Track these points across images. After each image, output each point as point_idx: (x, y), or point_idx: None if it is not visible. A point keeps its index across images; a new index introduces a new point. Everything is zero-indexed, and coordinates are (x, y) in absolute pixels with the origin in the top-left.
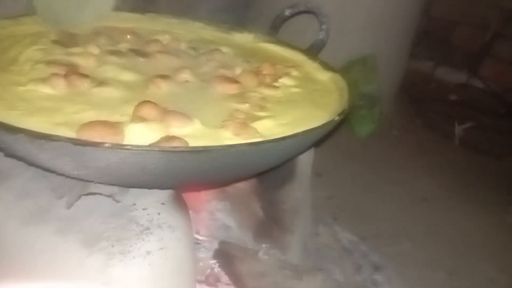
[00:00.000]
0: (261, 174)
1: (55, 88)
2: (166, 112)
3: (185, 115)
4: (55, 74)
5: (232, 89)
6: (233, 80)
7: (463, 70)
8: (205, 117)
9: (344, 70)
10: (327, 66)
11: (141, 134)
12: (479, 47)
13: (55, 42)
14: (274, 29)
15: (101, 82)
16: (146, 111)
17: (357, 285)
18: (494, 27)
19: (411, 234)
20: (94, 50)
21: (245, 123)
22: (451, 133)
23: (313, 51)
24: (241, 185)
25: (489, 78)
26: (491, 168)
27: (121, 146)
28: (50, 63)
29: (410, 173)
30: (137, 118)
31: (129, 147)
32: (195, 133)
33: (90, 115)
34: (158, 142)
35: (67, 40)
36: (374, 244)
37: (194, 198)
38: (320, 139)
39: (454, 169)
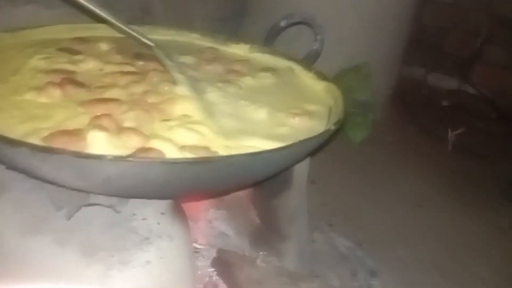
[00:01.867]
0: (259, 183)
1: (50, 97)
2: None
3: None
4: (50, 83)
5: None
6: None
7: (454, 76)
8: None
9: (337, 78)
10: (322, 76)
11: (102, 143)
12: (470, 53)
13: (61, 49)
14: (270, 39)
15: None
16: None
17: None
18: (485, 33)
19: (406, 238)
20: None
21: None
22: (444, 138)
23: (308, 61)
24: (238, 193)
25: (481, 83)
26: (484, 172)
27: (122, 158)
28: (49, 72)
29: (404, 178)
30: (97, 126)
31: (130, 159)
32: None
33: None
34: (134, 153)
35: (74, 46)
36: (369, 249)
37: (192, 207)
38: (316, 148)
39: (448, 173)
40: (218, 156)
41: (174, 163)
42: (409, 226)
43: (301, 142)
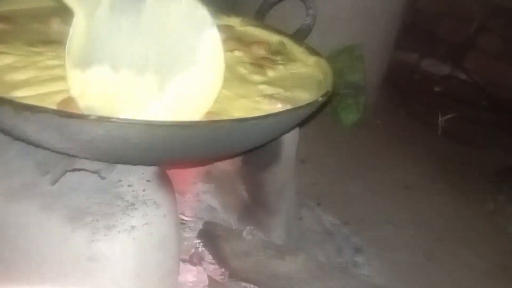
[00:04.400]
0: (246, 153)
1: None
2: None
3: None
4: None
5: None
6: None
7: (447, 62)
8: None
9: (330, 59)
10: (312, 51)
11: None
12: (463, 39)
13: None
14: (261, 13)
15: None
16: None
17: (338, 266)
18: (479, 20)
19: (393, 220)
20: None
21: None
22: (434, 123)
23: (299, 36)
24: (226, 167)
25: (473, 70)
26: (472, 158)
27: (106, 119)
28: None
29: (393, 161)
30: None
31: (114, 119)
32: None
33: None
34: None
35: None
36: (357, 228)
37: (179, 180)
38: (305, 119)
39: (436, 158)
40: (203, 121)
41: (159, 125)
42: (396, 208)
43: (286, 111)
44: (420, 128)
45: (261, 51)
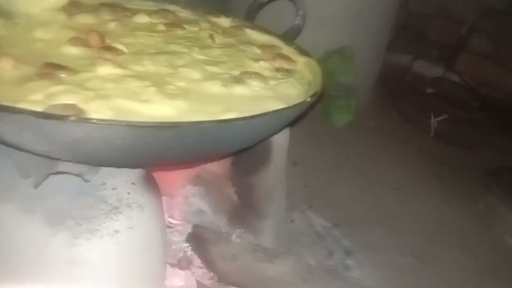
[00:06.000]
0: (235, 155)
1: None
2: None
3: None
4: None
5: None
6: None
7: (439, 64)
8: None
9: (322, 60)
10: (302, 51)
11: None
12: (455, 41)
13: None
14: (251, 14)
15: None
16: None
17: (328, 269)
18: (470, 22)
19: (384, 221)
20: None
21: None
22: (426, 125)
23: (289, 37)
24: (216, 170)
25: (464, 72)
26: (463, 159)
27: (86, 120)
28: None
29: (385, 162)
30: None
31: (94, 120)
32: None
33: None
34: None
35: None
36: (347, 230)
37: (168, 183)
38: (294, 120)
39: (428, 160)
40: (187, 122)
41: (140, 126)
42: (388, 209)
43: (274, 111)
44: (411, 129)
45: None
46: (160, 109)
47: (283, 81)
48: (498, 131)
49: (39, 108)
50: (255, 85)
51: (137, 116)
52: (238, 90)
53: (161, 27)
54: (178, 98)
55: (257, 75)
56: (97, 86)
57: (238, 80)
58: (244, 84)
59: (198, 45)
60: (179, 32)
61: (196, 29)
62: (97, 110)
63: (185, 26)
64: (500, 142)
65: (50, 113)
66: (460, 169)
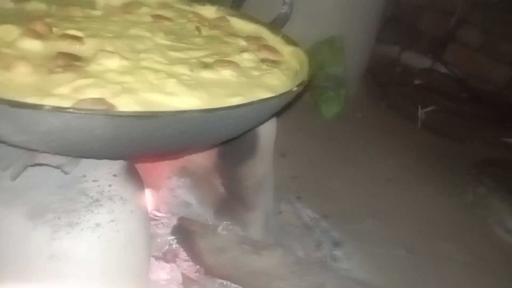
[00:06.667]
0: (222, 145)
1: None
2: None
3: None
4: None
5: None
6: None
7: (428, 55)
8: None
9: (311, 51)
10: (289, 40)
11: None
12: (444, 32)
13: None
14: (237, 2)
15: None
16: None
17: (317, 260)
18: (459, 13)
19: (373, 213)
20: None
21: None
22: (415, 116)
23: (276, 25)
24: (202, 162)
25: (453, 63)
26: (452, 151)
27: (62, 109)
28: None
29: (374, 154)
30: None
31: (71, 110)
32: None
33: None
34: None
35: None
36: (337, 222)
37: (153, 174)
38: (281, 110)
39: (417, 151)
40: (168, 111)
41: (119, 116)
42: (377, 200)
43: (259, 100)
44: (400, 120)
45: None
46: (187, 101)
47: (267, 72)
48: (487, 123)
49: (67, 104)
50: (227, 74)
51: (166, 109)
52: (205, 75)
53: (148, 18)
54: (198, 88)
55: (231, 64)
56: (118, 79)
57: (206, 65)
58: (213, 71)
59: (181, 37)
60: (166, 23)
61: (183, 20)
62: (125, 104)
63: (172, 18)
64: (488, 133)
65: (25, 102)
66: (449, 160)
